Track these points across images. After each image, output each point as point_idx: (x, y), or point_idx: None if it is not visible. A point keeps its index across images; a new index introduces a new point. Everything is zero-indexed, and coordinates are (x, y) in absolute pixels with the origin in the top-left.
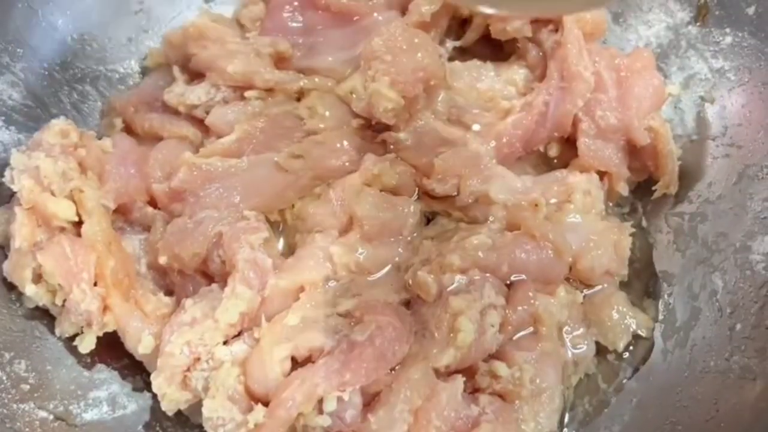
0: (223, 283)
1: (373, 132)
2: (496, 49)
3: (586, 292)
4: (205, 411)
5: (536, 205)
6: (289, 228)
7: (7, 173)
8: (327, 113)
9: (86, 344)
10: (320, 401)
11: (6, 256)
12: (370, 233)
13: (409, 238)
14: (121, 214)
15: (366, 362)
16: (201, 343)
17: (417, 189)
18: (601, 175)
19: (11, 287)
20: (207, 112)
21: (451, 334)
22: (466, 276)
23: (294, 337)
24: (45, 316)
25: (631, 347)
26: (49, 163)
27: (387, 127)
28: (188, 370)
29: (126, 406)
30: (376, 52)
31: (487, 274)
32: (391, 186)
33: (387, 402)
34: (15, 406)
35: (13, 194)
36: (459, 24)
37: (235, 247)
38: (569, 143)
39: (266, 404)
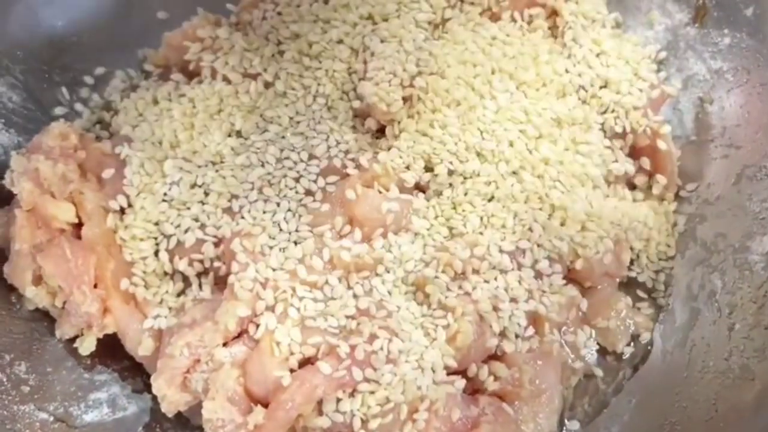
0: (223, 285)
1: (373, 131)
2: None
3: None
4: (205, 412)
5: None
6: None
7: (6, 176)
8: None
9: (86, 346)
10: (320, 402)
11: (6, 258)
12: (369, 234)
13: (409, 238)
14: None
15: (365, 363)
16: (201, 344)
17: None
18: None
19: (11, 289)
20: None
21: (451, 335)
22: (466, 277)
23: (293, 338)
24: (45, 318)
25: (630, 348)
26: (48, 165)
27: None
28: (188, 371)
29: (126, 407)
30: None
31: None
32: (390, 186)
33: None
34: (15, 407)
35: (13, 196)
36: None
37: (233, 249)
38: None
39: (266, 405)
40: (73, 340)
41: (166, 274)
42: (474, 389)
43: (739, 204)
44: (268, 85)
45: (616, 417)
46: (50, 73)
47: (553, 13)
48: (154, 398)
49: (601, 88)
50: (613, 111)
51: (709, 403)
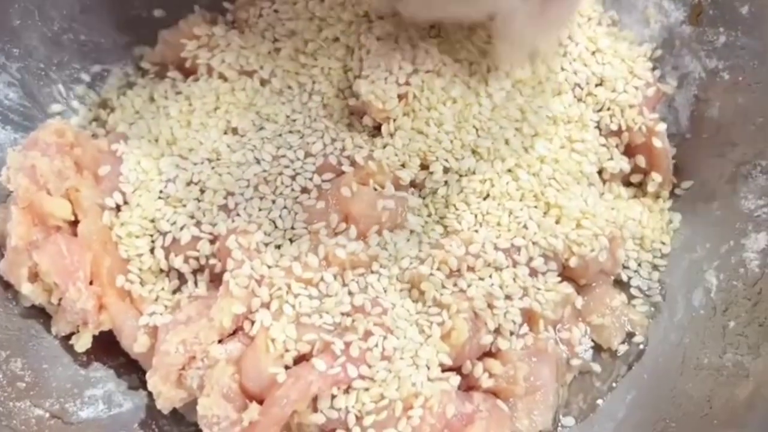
0: (218, 282)
1: (369, 129)
2: None
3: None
4: (200, 409)
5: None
6: None
7: (3, 172)
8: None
9: (82, 343)
10: (314, 399)
11: (2, 255)
12: (365, 231)
13: (404, 235)
14: None
15: (360, 360)
16: (196, 341)
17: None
18: None
19: (7, 286)
20: None
21: (446, 332)
22: (461, 274)
23: (288, 335)
24: (41, 314)
25: (625, 345)
26: (45, 162)
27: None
28: (183, 368)
29: (122, 404)
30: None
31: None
32: (386, 183)
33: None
34: (11, 404)
35: (9, 193)
36: None
37: (229, 246)
38: None
39: (261, 402)
40: (68, 336)
41: (161, 271)
42: (469, 386)
43: (733, 202)
44: (264, 82)
45: (610, 414)
46: (47, 70)
47: None
48: (150, 395)
49: (596, 85)
50: (608, 109)
51: (704, 399)
